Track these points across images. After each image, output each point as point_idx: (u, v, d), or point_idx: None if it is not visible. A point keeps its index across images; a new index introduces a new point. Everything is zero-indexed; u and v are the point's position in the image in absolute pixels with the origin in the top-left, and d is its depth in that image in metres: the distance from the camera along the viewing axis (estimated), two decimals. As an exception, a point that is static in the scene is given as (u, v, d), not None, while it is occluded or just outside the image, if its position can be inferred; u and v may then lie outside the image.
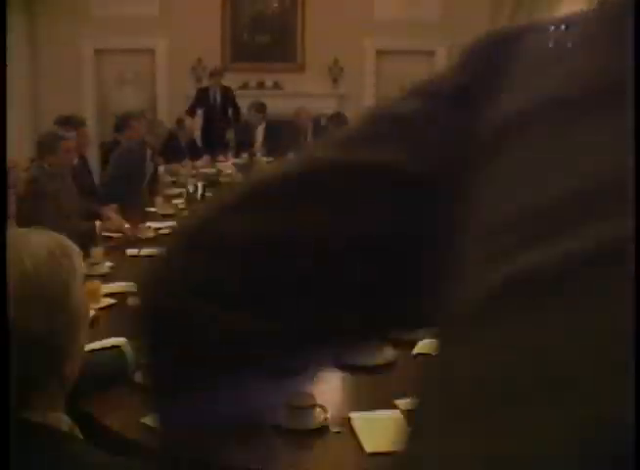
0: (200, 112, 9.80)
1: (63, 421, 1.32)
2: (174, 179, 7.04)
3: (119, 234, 4.71)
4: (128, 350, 2.52)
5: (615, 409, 0.35)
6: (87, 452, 1.28)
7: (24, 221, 4.11)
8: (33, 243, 1.25)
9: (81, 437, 1.38)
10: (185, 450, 0.70)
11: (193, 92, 10.62)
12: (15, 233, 1.30)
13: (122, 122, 7.29)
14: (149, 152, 6.30)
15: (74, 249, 1.32)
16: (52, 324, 1.22)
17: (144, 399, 2.36)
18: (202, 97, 9.79)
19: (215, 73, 9.81)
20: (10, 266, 1.19)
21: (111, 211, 5.08)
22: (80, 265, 1.32)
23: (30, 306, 1.19)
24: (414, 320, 0.67)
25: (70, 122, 5.88)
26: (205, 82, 10.43)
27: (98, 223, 4.75)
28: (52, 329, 1.22)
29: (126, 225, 4.84)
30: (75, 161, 5.79)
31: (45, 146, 4.84)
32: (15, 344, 1.16)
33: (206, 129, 9.56)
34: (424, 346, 2.76)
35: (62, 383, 1.29)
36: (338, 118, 9.09)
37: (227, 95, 9.83)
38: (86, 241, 4.33)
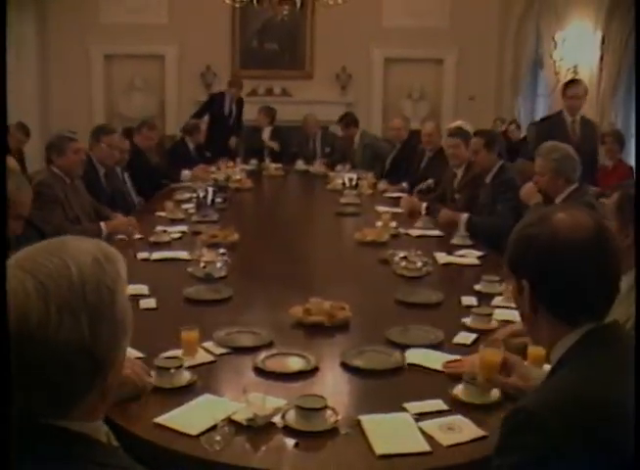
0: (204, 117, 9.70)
1: (101, 431, 1.29)
2: (187, 184, 7.05)
3: (130, 235, 4.76)
4: None
5: None
6: (122, 465, 1.25)
7: (34, 224, 4.16)
8: (78, 249, 1.22)
9: (117, 445, 1.37)
10: None
11: (202, 98, 10.63)
12: (57, 240, 1.26)
13: (136, 129, 7.34)
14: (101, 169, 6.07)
15: (117, 254, 1.28)
16: (97, 332, 1.17)
17: (157, 399, 2.39)
18: (215, 103, 9.71)
19: (236, 85, 9.70)
20: (56, 274, 1.17)
21: (117, 214, 5.19)
22: (124, 271, 1.28)
23: (77, 315, 1.15)
24: None
25: (103, 131, 5.95)
26: (216, 88, 10.43)
27: (103, 224, 4.79)
28: (97, 338, 1.17)
29: (132, 223, 4.92)
30: (102, 171, 5.89)
31: (54, 148, 4.88)
32: (59, 353, 1.14)
33: (213, 135, 9.44)
34: (414, 356, 2.77)
35: (103, 395, 1.25)
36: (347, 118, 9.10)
37: (240, 105, 9.75)
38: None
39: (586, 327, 1.60)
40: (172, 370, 2.49)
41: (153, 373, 2.50)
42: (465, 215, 5.11)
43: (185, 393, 2.42)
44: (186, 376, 2.52)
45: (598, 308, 1.62)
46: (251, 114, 9.81)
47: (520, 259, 1.67)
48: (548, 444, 1.41)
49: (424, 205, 5.78)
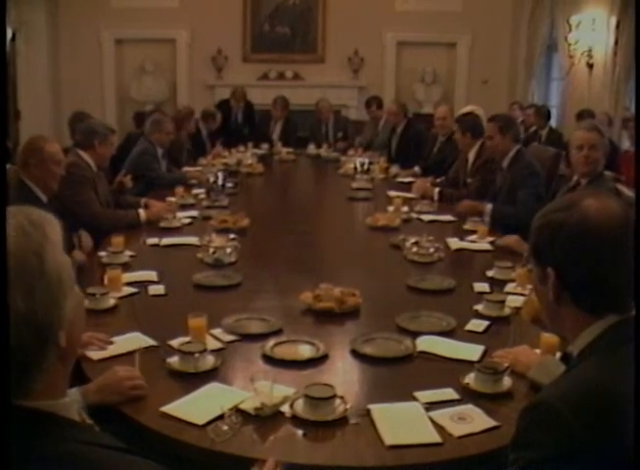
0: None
1: (72, 409, 1.28)
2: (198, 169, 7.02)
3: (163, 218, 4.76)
4: None
5: None
6: (98, 442, 1.24)
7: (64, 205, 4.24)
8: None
9: (91, 423, 1.36)
10: None
11: (213, 82, 10.59)
12: None
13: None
14: (160, 150, 6.41)
15: (47, 218, 1.27)
16: (30, 297, 1.17)
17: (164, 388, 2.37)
18: (223, 110, 9.53)
19: (235, 96, 9.58)
20: None
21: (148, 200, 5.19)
22: (55, 233, 1.26)
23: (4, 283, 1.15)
24: None
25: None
26: (227, 72, 10.37)
27: (142, 211, 4.80)
28: (32, 302, 1.17)
29: (171, 208, 4.97)
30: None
31: (96, 135, 4.85)
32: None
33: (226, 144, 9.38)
34: (425, 343, 2.73)
35: (62, 360, 1.25)
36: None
37: (250, 111, 9.68)
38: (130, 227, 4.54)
39: (611, 319, 1.53)
40: (197, 354, 2.47)
41: (175, 358, 2.49)
42: (489, 206, 5.00)
43: (209, 377, 2.41)
44: (210, 360, 2.50)
45: (623, 299, 1.55)
46: (263, 98, 9.75)
47: (546, 246, 1.59)
48: (566, 441, 1.36)
49: (436, 190, 5.73)
